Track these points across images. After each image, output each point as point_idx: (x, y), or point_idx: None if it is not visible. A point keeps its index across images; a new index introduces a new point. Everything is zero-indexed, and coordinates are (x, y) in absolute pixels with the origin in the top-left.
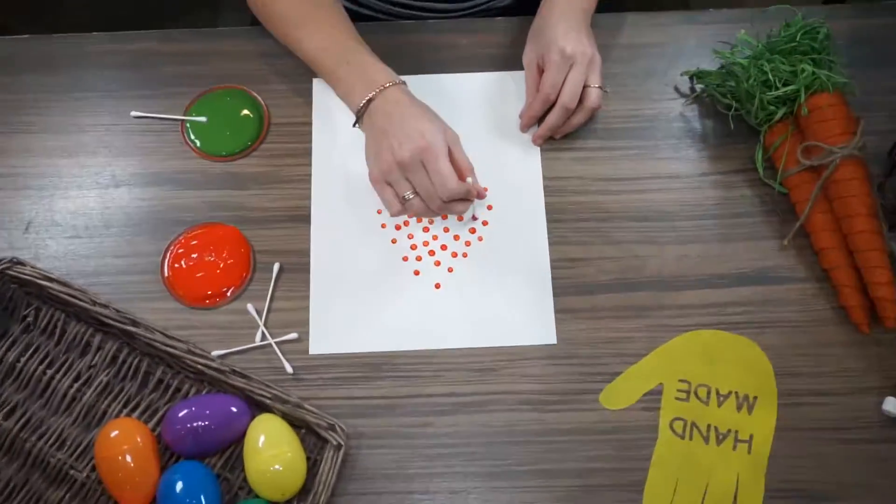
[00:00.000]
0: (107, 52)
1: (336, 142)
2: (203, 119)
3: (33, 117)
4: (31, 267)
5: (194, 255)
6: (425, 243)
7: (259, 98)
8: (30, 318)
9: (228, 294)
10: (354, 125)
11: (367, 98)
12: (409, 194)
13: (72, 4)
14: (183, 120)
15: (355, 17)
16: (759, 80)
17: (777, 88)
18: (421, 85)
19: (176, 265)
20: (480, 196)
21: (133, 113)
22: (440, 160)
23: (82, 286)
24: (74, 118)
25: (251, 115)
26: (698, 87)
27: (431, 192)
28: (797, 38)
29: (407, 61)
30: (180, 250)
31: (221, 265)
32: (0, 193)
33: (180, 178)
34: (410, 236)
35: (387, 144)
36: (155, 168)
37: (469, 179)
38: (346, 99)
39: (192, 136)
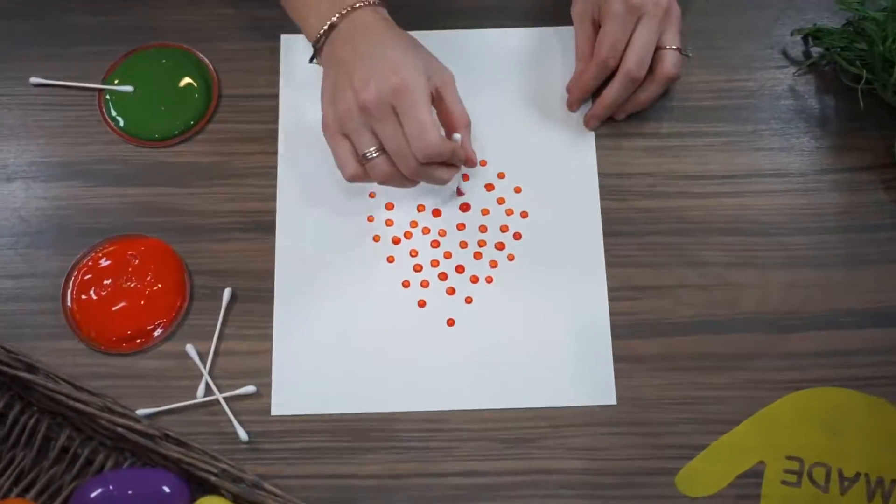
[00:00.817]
0: None
1: (312, 122)
2: (129, 89)
3: None
4: None
5: (107, 282)
6: (434, 263)
7: (206, 61)
8: None
9: (157, 333)
10: (311, 60)
11: (329, 22)
12: (371, 151)
13: None
14: (101, 90)
15: None
16: None
17: None
18: (428, 44)
19: (83, 296)
20: (470, 162)
21: (32, 80)
22: (418, 105)
23: None
24: None
25: (195, 85)
26: (815, 51)
27: (403, 148)
28: None
29: (412, 11)
30: (87, 276)
31: (147, 292)
32: None
33: (96, 171)
34: (414, 253)
35: (347, 81)
36: (61, 156)
37: (457, 136)
38: (303, 25)
39: (114, 113)
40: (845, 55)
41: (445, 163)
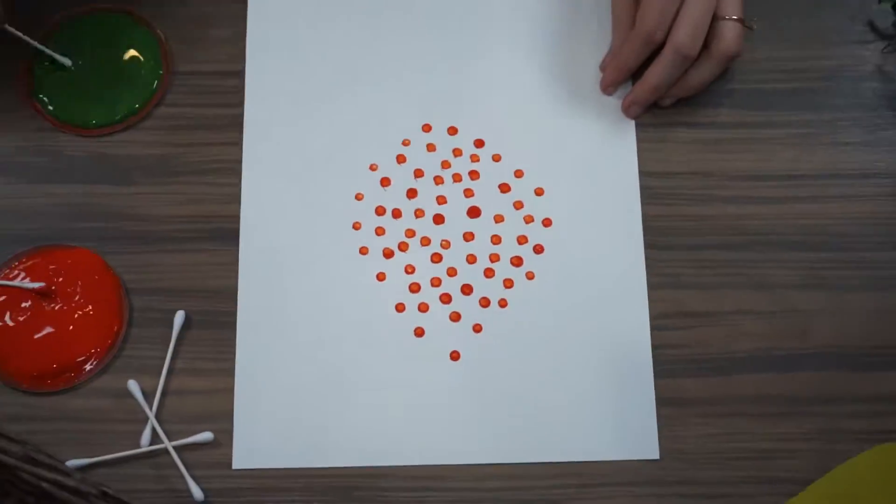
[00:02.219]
0: None
1: (286, 105)
2: (65, 62)
3: None
4: None
5: (26, 304)
6: (435, 282)
7: (157, 30)
8: None
9: (88, 366)
10: None
11: None
12: None
13: None
14: (28, 63)
15: None
16: None
17: None
18: (429, 4)
19: None
20: None
21: None
22: None
23: None
24: None
25: (141, 59)
26: None
27: None
28: None
29: None
30: (1, 297)
31: (76, 316)
32: None
33: (16, 164)
34: (410, 269)
35: None
36: None
37: None
38: None
39: (41, 94)
40: None
41: None
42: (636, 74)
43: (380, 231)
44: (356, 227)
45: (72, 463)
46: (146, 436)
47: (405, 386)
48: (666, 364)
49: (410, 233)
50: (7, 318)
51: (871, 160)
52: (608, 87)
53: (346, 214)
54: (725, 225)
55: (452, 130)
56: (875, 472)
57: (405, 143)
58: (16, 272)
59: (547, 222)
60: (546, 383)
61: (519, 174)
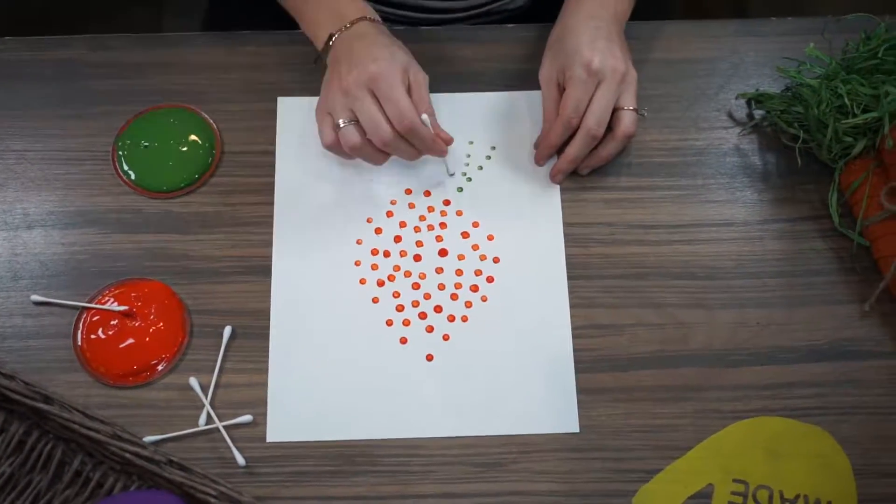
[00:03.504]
0: (21, 61)
1: (305, 176)
2: (143, 144)
3: None
4: None
5: (114, 322)
6: (415, 303)
7: (210, 120)
8: None
9: (160, 367)
10: (315, 61)
11: (332, 33)
12: (344, 120)
13: None
14: (114, 146)
15: None
16: (832, 106)
17: (855, 116)
18: None
19: (92, 336)
20: (442, 144)
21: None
22: (394, 88)
23: None
24: None
25: (199, 142)
26: (757, 113)
27: (377, 121)
28: (880, 54)
29: None
30: (95, 317)
31: (151, 330)
32: None
33: (109, 219)
34: (396, 294)
35: (336, 73)
36: (78, 206)
37: (425, 117)
38: (312, 36)
39: (126, 167)
40: (784, 117)
41: (409, 143)
42: (560, 150)
43: (374, 267)
44: (357, 264)
45: (147, 439)
46: (202, 418)
47: (393, 380)
48: (583, 363)
49: (397, 268)
50: (100, 332)
51: (731, 213)
52: (540, 160)
53: (350, 255)
54: (626, 261)
55: (427, 193)
56: (737, 440)
57: (392, 202)
58: (106, 298)
59: (496, 260)
60: (496, 377)
61: (476, 224)
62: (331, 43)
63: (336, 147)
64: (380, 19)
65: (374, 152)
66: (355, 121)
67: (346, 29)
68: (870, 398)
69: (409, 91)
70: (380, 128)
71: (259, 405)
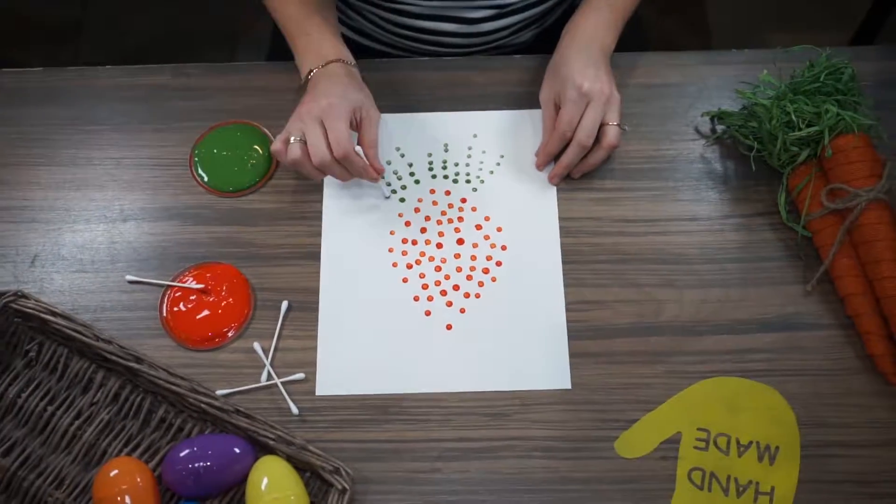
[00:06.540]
0: (117, 85)
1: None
2: (215, 153)
3: (42, 150)
4: (35, 301)
5: (192, 297)
6: (437, 283)
7: (269, 134)
8: (32, 353)
9: (230, 334)
10: (297, 89)
11: (311, 69)
12: (294, 137)
13: (91, 40)
14: (192, 154)
15: (365, 53)
16: (781, 121)
17: (800, 129)
18: (435, 122)
19: (175, 308)
20: (373, 171)
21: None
22: (338, 120)
23: (86, 321)
24: (83, 151)
25: (261, 151)
26: (719, 128)
27: (318, 145)
28: (821, 79)
29: (422, 96)
30: (177, 293)
31: (223, 304)
32: (7, 226)
33: (188, 214)
34: (422, 276)
35: (303, 100)
36: (163, 203)
37: (359, 149)
38: (299, 67)
39: (201, 171)
40: (742, 131)
41: (344, 167)
42: (556, 158)
43: (404, 253)
44: (390, 250)
45: (219, 392)
46: (263, 375)
47: (419, 345)
48: (575, 331)
49: (422, 254)
50: (181, 305)
51: (697, 210)
52: (540, 166)
53: (384, 243)
54: (610, 249)
55: (447, 193)
56: (701, 396)
57: (419, 200)
58: (186, 278)
59: (504, 247)
60: (503, 342)
61: (487, 218)
62: (309, 77)
63: (281, 156)
64: (354, 62)
65: (311, 170)
66: (304, 141)
67: (322, 67)
68: (811, 362)
69: (359, 124)
70: (319, 150)
71: (310, 365)
